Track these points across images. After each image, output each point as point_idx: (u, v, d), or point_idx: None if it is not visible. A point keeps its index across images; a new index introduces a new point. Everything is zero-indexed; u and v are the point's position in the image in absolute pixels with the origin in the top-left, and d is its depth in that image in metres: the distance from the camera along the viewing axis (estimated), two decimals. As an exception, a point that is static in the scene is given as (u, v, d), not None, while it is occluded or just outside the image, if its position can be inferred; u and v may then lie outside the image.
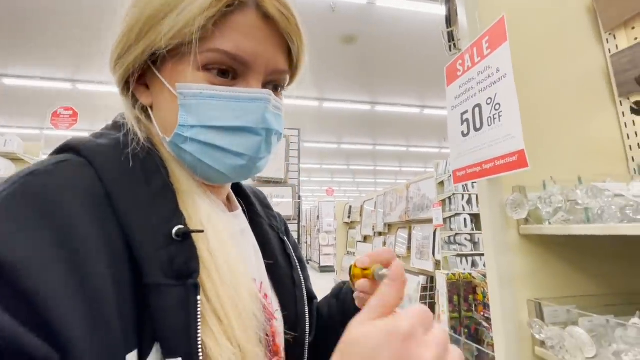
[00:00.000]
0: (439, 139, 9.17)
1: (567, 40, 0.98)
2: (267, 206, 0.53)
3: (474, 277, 1.19)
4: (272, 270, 0.45)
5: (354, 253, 6.89)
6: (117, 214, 0.30)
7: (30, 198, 0.26)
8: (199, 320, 0.30)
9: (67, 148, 0.34)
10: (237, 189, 0.50)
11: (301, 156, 3.74)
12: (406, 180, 4.88)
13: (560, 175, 0.79)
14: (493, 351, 0.89)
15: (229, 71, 0.36)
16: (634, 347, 0.57)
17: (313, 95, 6.33)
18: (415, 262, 4.47)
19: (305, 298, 0.47)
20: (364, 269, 0.43)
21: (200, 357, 0.29)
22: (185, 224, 0.32)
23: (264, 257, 0.45)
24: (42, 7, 3.86)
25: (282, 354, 0.42)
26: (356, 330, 0.25)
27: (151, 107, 0.39)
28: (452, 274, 1.20)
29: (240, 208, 0.48)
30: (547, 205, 0.73)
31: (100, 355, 0.25)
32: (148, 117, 0.40)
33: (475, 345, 1.13)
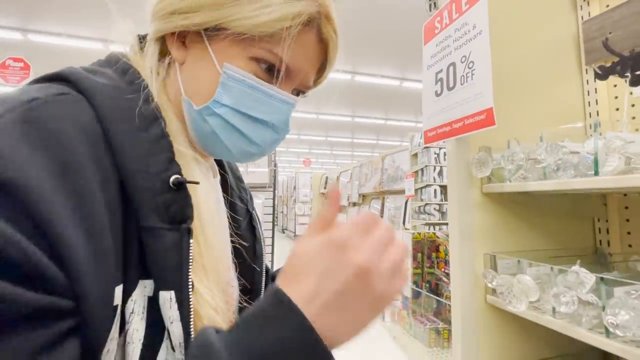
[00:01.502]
0: (416, 113, 9.26)
1: (543, 3, 0.98)
2: (238, 178, 0.55)
3: (437, 237, 1.25)
4: (235, 241, 0.47)
5: (328, 223, 7.06)
6: (114, 155, 0.31)
7: (36, 126, 0.26)
8: (190, 260, 0.32)
9: (61, 78, 0.33)
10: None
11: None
12: (382, 153, 4.93)
13: (524, 138, 0.82)
14: (450, 302, 0.95)
15: (273, 70, 0.38)
16: (571, 290, 0.62)
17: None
18: (386, 231, 4.66)
19: (264, 270, 0.49)
20: None
21: (190, 292, 0.32)
22: (181, 174, 0.33)
23: (230, 227, 0.47)
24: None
25: (234, 319, 0.45)
26: (296, 247, 0.28)
27: (179, 64, 0.39)
28: (418, 233, 1.25)
29: (219, 177, 0.49)
30: (509, 163, 0.76)
31: (99, 283, 0.27)
32: (167, 69, 0.40)
33: (435, 297, 1.21)
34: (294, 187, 9.22)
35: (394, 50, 5.82)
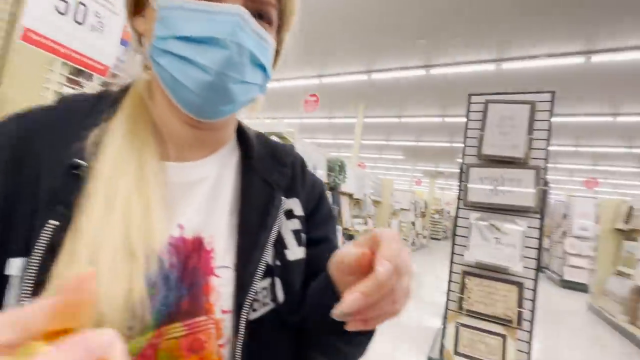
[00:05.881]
0: None
1: None
2: (278, 161, 0.50)
3: None
4: (241, 227, 0.44)
5: (629, 275, 4.66)
6: (37, 152, 0.35)
7: None
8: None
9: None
10: (242, 135, 0.50)
11: (553, 133, 2.63)
12: None
13: None
14: None
15: None
16: None
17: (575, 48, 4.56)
18: None
19: (264, 264, 0.41)
20: None
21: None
22: (83, 159, 0.35)
23: (239, 211, 0.44)
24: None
25: (216, 313, 0.39)
26: None
27: (145, 36, 0.42)
28: None
29: (218, 155, 0.47)
30: None
31: None
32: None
33: None
34: (564, 216, 7.50)
35: None
